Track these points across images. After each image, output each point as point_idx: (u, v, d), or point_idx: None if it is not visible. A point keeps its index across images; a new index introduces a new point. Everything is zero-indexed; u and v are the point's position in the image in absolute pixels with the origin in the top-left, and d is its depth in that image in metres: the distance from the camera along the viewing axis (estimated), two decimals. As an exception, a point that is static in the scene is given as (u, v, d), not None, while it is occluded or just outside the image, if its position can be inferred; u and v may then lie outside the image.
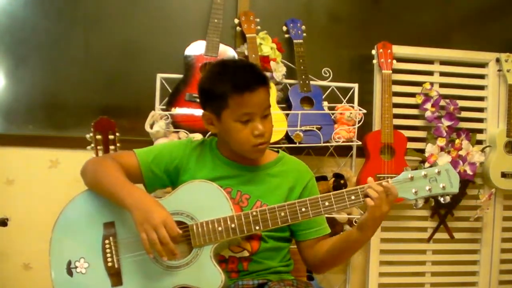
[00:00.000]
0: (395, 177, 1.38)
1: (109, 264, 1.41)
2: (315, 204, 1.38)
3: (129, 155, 1.52)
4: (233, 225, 1.38)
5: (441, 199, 1.40)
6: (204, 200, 1.42)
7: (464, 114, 2.66)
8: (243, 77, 1.40)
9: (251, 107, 1.40)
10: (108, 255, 1.41)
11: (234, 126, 1.42)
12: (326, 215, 1.50)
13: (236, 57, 2.42)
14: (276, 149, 1.61)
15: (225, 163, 1.52)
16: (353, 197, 1.38)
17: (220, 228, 1.38)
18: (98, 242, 1.42)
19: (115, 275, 1.40)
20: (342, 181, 2.39)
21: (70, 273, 1.41)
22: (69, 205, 1.47)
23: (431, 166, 2.52)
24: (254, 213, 1.39)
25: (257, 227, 1.38)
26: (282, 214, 1.38)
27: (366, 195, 1.35)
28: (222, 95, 1.40)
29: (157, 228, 1.31)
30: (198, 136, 2.17)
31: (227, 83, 1.40)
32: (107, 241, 1.42)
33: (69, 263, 1.42)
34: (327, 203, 1.38)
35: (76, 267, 1.42)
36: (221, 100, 1.41)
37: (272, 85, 2.38)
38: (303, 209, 1.38)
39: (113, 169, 1.44)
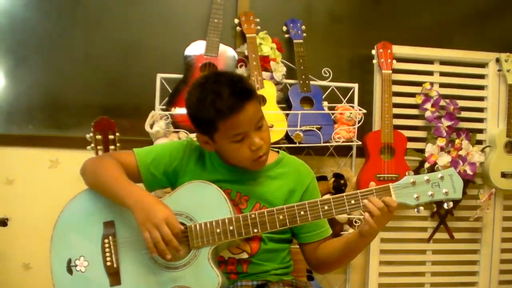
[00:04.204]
0: (396, 180, 1.37)
1: (108, 263, 1.41)
2: (314, 207, 1.37)
3: (128, 154, 1.51)
4: (231, 227, 1.37)
5: (444, 205, 1.36)
6: (203, 201, 1.41)
7: (464, 114, 2.66)
8: (226, 100, 1.33)
9: (242, 127, 1.36)
10: (107, 254, 1.41)
11: (230, 147, 1.40)
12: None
13: (236, 57, 2.41)
14: (276, 149, 1.60)
15: (224, 167, 1.50)
16: (352, 201, 1.36)
17: (218, 230, 1.37)
18: (98, 241, 1.42)
19: (114, 274, 1.41)
20: (342, 181, 2.39)
21: (70, 271, 1.42)
22: (70, 204, 1.48)
23: (431, 166, 2.53)
24: (253, 216, 1.38)
25: (255, 230, 1.37)
26: (281, 217, 1.37)
27: (366, 208, 1.33)
28: (209, 121, 1.36)
29: (160, 226, 1.30)
30: (198, 136, 2.16)
31: (211, 109, 1.34)
32: (106, 241, 1.42)
33: (69, 261, 1.42)
34: (326, 207, 1.37)
35: (76, 266, 1.42)
36: (210, 126, 1.38)
37: (272, 85, 2.38)
38: (302, 213, 1.37)
39: (113, 168, 1.44)
